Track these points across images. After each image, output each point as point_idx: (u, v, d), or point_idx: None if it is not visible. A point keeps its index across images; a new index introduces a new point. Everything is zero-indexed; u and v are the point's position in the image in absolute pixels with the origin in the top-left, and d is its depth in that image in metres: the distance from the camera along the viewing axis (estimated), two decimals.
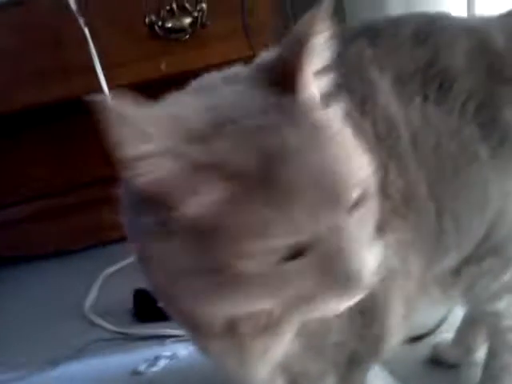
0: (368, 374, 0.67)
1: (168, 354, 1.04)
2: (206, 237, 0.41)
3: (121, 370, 1.04)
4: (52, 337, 1.20)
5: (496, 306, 0.73)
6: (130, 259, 1.34)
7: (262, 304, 0.44)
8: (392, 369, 0.81)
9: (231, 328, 0.51)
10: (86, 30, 1.13)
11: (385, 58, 0.62)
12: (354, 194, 0.43)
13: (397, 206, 0.60)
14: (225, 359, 0.59)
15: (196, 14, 1.27)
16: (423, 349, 0.91)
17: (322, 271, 0.42)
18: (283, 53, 0.46)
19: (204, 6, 1.26)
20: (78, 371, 1.07)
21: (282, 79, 0.45)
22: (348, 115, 0.59)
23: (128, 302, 1.22)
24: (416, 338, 0.93)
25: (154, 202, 0.42)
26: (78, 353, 1.12)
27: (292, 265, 0.41)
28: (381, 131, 0.60)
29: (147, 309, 1.17)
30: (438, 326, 0.94)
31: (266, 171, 0.40)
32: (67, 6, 1.10)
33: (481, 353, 0.85)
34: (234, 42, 1.29)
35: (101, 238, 1.55)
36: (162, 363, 1.02)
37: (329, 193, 0.41)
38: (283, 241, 0.40)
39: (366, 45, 0.63)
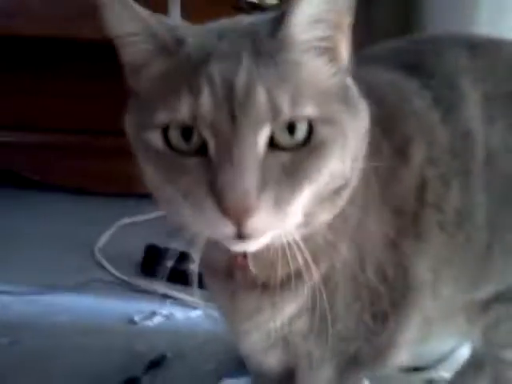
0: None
1: (165, 312, 1.04)
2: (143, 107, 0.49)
3: (116, 315, 1.04)
4: (57, 266, 1.22)
5: (510, 354, 0.71)
6: (148, 215, 1.36)
7: (158, 183, 0.47)
8: None
9: (230, 273, 0.56)
10: None
11: (480, 71, 0.62)
12: (266, 130, 0.44)
13: (446, 222, 0.60)
14: (221, 306, 0.63)
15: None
16: (416, 382, 0.90)
17: (207, 176, 0.44)
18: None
19: None
20: (74, 303, 1.08)
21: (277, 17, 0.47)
22: (426, 120, 0.60)
23: (137, 254, 1.23)
24: (413, 369, 0.92)
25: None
26: (79, 286, 1.13)
27: (185, 159, 0.45)
28: (457, 145, 0.59)
29: (155, 266, 1.17)
30: (440, 361, 0.93)
31: (200, 66, 0.45)
32: None
33: None
34: None
35: (123, 188, 1.55)
36: (157, 320, 1.03)
37: (234, 101, 0.43)
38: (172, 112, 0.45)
39: (463, 55, 0.62)
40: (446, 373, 0.90)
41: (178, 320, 1.03)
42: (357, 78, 0.57)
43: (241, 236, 0.44)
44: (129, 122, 0.50)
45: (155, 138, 0.46)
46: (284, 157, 0.45)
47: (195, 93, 0.44)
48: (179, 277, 1.10)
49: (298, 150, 0.45)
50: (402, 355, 0.64)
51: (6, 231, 1.39)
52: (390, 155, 0.58)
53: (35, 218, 1.48)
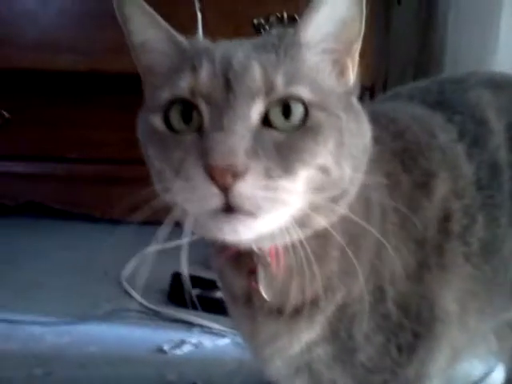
0: None
1: (194, 341, 1.05)
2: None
3: (145, 344, 1.05)
4: (85, 295, 1.23)
5: None
6: (174, 243, 1.37)
7: (158, 165, 0.49)
8: None
9: (249, 298, 0.57)
10: (199, 15, 1.17)
11: (503, 103, 0.63)
12: (259, 103, 0.46)
13: (471, 254, 0.60)
14: (243, 332, 0.64)
15: None
16: None
17: (199, 147, 0.45)
18: None
19: None
20: (104, 333, 1.10)
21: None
22: (451, 154, 0.61)
23: (164, 283, 1.24)
24: None
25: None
26: (108, 316, 1.14)
27: (181, 137, 0.48)
28: (483, 179, 0.60)
29: (182, 294, 1.18)
30: None
31: (204, 51, 0.50)
32: None
33: None
34: None
35: (148, 216, 1.58)
36: (186, 348, 1.03)
37: (229, 77, 0.46)
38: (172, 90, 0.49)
39: (486, 91, 0.64)
40: None
41: (207, 348, 1.04)
42: (377, 112, 0.59)
43: (229, 208, 0.44)
44: (140, 119, 0.54)
45: (157, 120, 0.50)
46: (278, 136, 0.46)
47: (196, 69, 0.48)
48: (206, 304, 1.12)
49: (292, 132, 0.47)
50: None
51: (34, 262, 1.42)
52: (410, 188, 0.59)
53: (62, 247, 1.51)
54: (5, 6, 1.46)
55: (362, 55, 0.54)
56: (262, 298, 0.56)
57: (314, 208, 0.47)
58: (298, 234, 0.48)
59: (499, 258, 0.61)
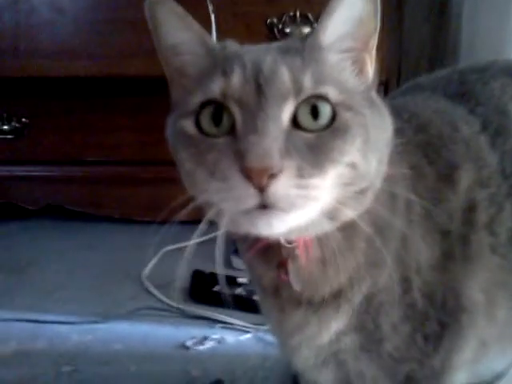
0: None
1: (216, 337, 1.07)
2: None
3: (169, 341, 1.07)
4: (108, 294, 1.26)
5: None
6: (193, 241, 1.39)
7: (190, 167, 0.51)
8: None
9: (277, 290, 0.59)
10: (213, 17, 1.19)
11: None
12: (289, 105, 0.48)
13: (499, 245, 0.60)
14: (272, 322, 0.65)
15: (316, 25, 1.30)
16: None
17: (233, 148, 0.47)
18: None
19: None
20: (126, 331, 1.11)
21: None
22: (474, 145, 0.61)
23: (184, 280, 1.25)
24: None
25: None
26: (130, 314, 1.16)
27: (214, 140, 0.49)
28: (507, 167, 0.61)
29: (203, 291, 1.20)
30: (498, 377, 0.92)
31: (234, 57, 0.51)
32: None
33: None
34: None
35: (167, 216, 1.59)
36: (209, 344, 1.05)
37: (261, 81, 0.48)
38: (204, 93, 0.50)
39: (509, 80, 0.64)
40: None
41: (229, 344, 1.05)
42: (399, 105, 0.60)
43: (264, 205, 0.45)
44: (169, 123, 0.56)
45: (188, 125, 0.51)
46: (307, 136, 0.48)
47: (228, 74, 0.49)
48: (226, 301, 1.14)
49: (321, 132, 0.48)
50: (459, 377, 0.64)
51: (57, 263, 1.44)
52: (435, 180, 0.60)
53: (83, 248, 1.53)
54: (23, 18, 1.49)
55: (377, 49, 0.55)
56: (290, 289, 0.57)
57: (343, 201, 0.49)
58: (327, 227, 0.49)
59: None
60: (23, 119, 1.63)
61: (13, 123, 1.63)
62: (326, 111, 0.49)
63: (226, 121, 0.49)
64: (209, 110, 0.50)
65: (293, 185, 0.45)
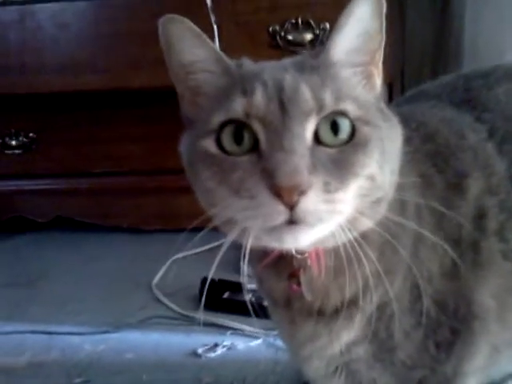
0: None
1: (227, 343, 1.07)
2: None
3: (180, 349, 1.08)
4: (118, 304, 1.27)
5: None
6: (201, 248, 1.40)
7: (213, 186, 0.51)
8: None
9: (288, 301, 0.59)
10: (215, 27, 1.20)
11: None
12: (312, 122, 0.49)
13: (509, 251, 0.60)
14: (283, 333, 0.66)
15: (318, 31, 1.32)
16: None
17: (259, 166, 0.48)
18: None
19: (327, 25, 1.31)
20: (138, 340, 1.12)
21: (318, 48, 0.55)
22: (482, 153, 0.62)
23: (194, 288, 1.26)
24: None
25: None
26: (141, 323, 1.17)
27: (237, 159, 0.50)
28: None
29: (212, 298, 1.21)
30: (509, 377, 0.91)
31: (254, 76, 0.52)
32: (205, 2, 1.17)
33: None
34: None
35: (175, 224, 1.60)
36: (219, 351, 1.05)
37: (284, 99, 0.49)
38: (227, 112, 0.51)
39: None
40: None
41: (240, 350, 1.06)
42: (407, 114, 0.61)
43: (292, 221, 0.46)
44: (184, 142, 0.56)
45: (209, 144, 0.51)
46: (330, 152, 0.49)
47: (249, 93, 0.50)
48: (236, 307, 1.15)
49: (342, 147, 0.49)
50: (471, 383, 0.64)
51: (67, 275, 1.46)
52: (444, 188, 0.61)
53: (92, 259, 1.55)
54: (29, 35, 1.52)
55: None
56: (302, 300, 0.58)
57: (361, 211, 0.50)
58: (345, 237, 0.50)
59: None
60: (31, 134, 1.65)
61: (20, 138, 1.65)
62: (345, 126, 0.50)
63: (247, 139, 0.50)
64: (230, 129, 0.51)
65: (321, 200, 0.46)
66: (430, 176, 0.61)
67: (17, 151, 1.66)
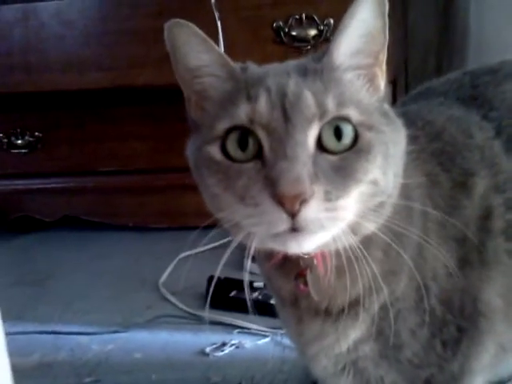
0: None
1: (235, 342, 1.07)
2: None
3: (188, 348, 1.08)
4: (126, 303, 1.27)
5: None
6: (207, 246, 1.40)
7: (218, 192, 0.51)
8: None
9: (296, 300, 0.59)
10: (219, 24, 1.19)
11: None
12: (315, 129, 0.49)
13: None
14: (291, 332, 0.66)
15: (322, 27, 1.31)
16: None
17: (262, 173, 0.48)
18: None
19: (331, 21, 1.30)
20: (146, 339, 1.13)
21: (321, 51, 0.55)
22: (489, 151, 0.61)
23: (201, 286, 1.26)
24: None
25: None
26: (148, 323, 1.17)
27: (242, 166, 0.50)
28: None
29: (219, 296, 1.20)
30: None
31: (258, 82, 0.52)
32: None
33: None
34: None
35: (181, 222, 1.60)
36: (227, 349, 1.05)
37: (286, 106, 0.49)
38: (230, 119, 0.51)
39: None
40: None
41: (248, 348, 1.06)
42: (412, 113, 0.60)
43: (295, 229, 0.46)
44: (190, 147, 0.56)
45: (214, 151, 0.51)
46: (332, 158, 0.49)
47: (253, 100, 0.50)
48: (243, 306, 1.14)
49: (345, 153, 0.49)
50: (478, 381, 0.64)
51: (74, 274, 1.46)
52: (450, 187, 0.60)
53: (99, 258, 1.55)
54: (33, 34, 1.52)
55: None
56: (309, 299, 0.58)
57: (363, 216, 0.50)
58: (348, 241, 0.50)
59: None
60: (36, 133, 1.66)
61: (26, 137, 1.65)
62: (348, 132, 0.50)
63: (252, 145, 0.50)
64: (235, 136, 0.51)
65: (322, 209, 0.46)
66: (435, 175, 0.60)
67: (23, 150, 1.67)
